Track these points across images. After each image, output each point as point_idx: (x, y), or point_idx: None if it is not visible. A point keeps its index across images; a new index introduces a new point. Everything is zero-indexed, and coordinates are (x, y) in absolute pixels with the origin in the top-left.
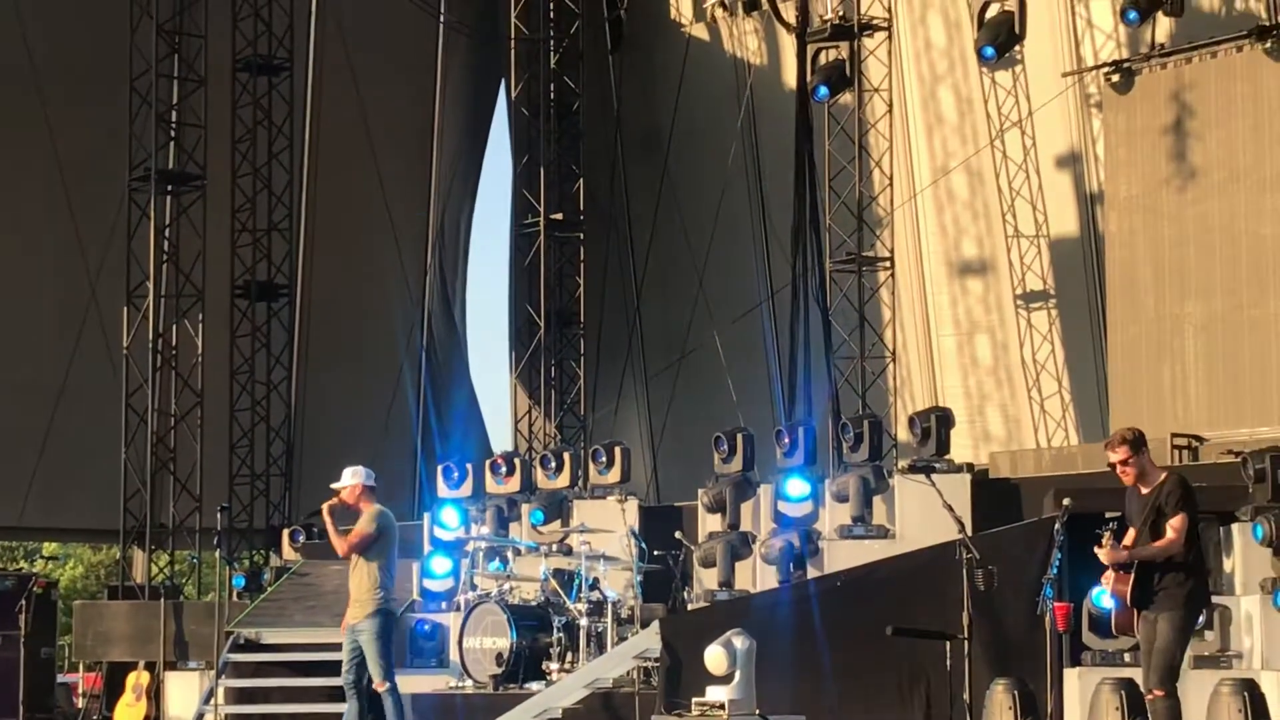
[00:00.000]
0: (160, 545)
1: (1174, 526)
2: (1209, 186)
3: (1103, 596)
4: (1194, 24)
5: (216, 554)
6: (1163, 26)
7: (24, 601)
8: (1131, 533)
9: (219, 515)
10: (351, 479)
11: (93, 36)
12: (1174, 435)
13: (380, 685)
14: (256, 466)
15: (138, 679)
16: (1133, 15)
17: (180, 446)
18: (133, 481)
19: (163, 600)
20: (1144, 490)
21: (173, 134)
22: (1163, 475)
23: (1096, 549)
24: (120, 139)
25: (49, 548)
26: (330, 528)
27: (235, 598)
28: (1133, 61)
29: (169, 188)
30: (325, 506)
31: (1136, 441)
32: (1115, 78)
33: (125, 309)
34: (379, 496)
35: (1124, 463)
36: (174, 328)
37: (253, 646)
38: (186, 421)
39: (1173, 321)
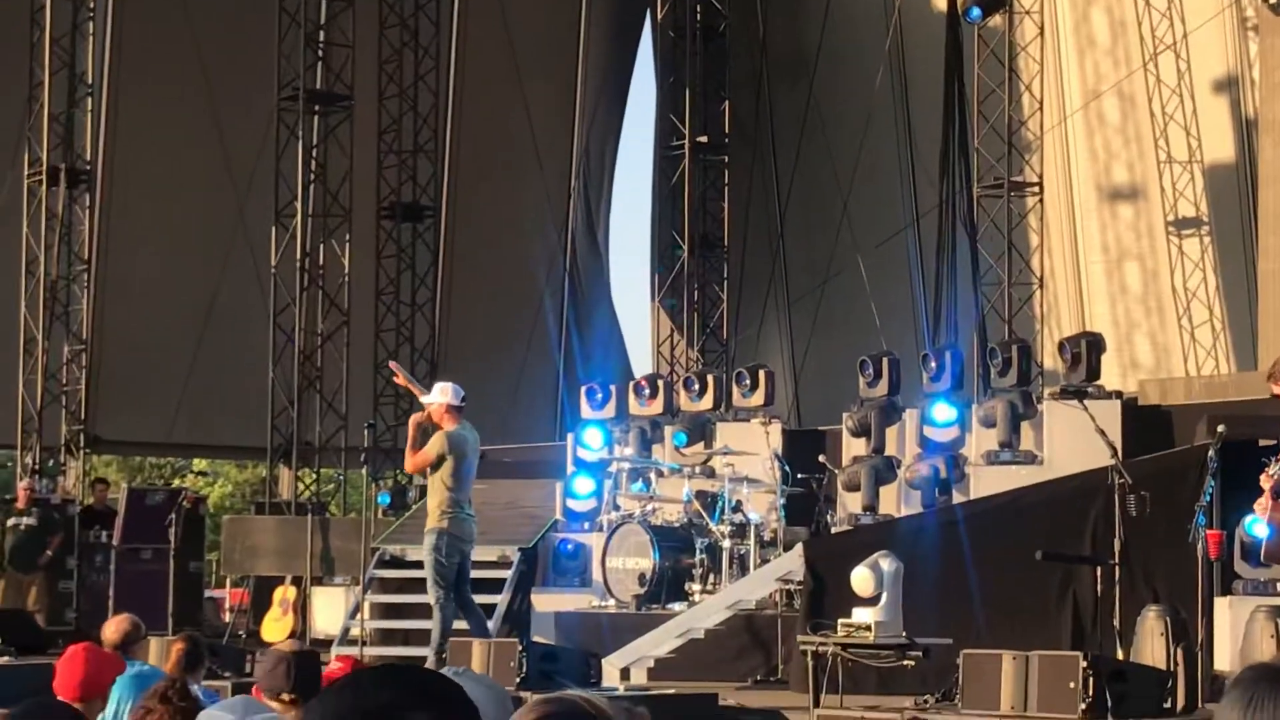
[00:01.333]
0: (306, 463)
1: None
2: None
3: (1256, 525)
4: None
5: (362, 471)
6: None
7: (173, 516)
8: None
9: (365, 433)
10: (440, 396)
11: None
12: None
13: (431, 598)
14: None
15: (284, 593)
16: None
17: (327, 365)
18: (280, 399)
19: (309, 516)
20: None
21: (320, 54)
22: None
23: (1262, 476)
24: (269, 59)
25: (198, 464)
26: (410, 442)
27: (380, 515)
28: None
29: (317, 108)
30: (414, 420)
31: None
32: (1273, 0)
33: (273, 228)
34: (465, 414)
35: None
36: (321, 247)
37: (398, 563)
38: (333, 340)
39: None
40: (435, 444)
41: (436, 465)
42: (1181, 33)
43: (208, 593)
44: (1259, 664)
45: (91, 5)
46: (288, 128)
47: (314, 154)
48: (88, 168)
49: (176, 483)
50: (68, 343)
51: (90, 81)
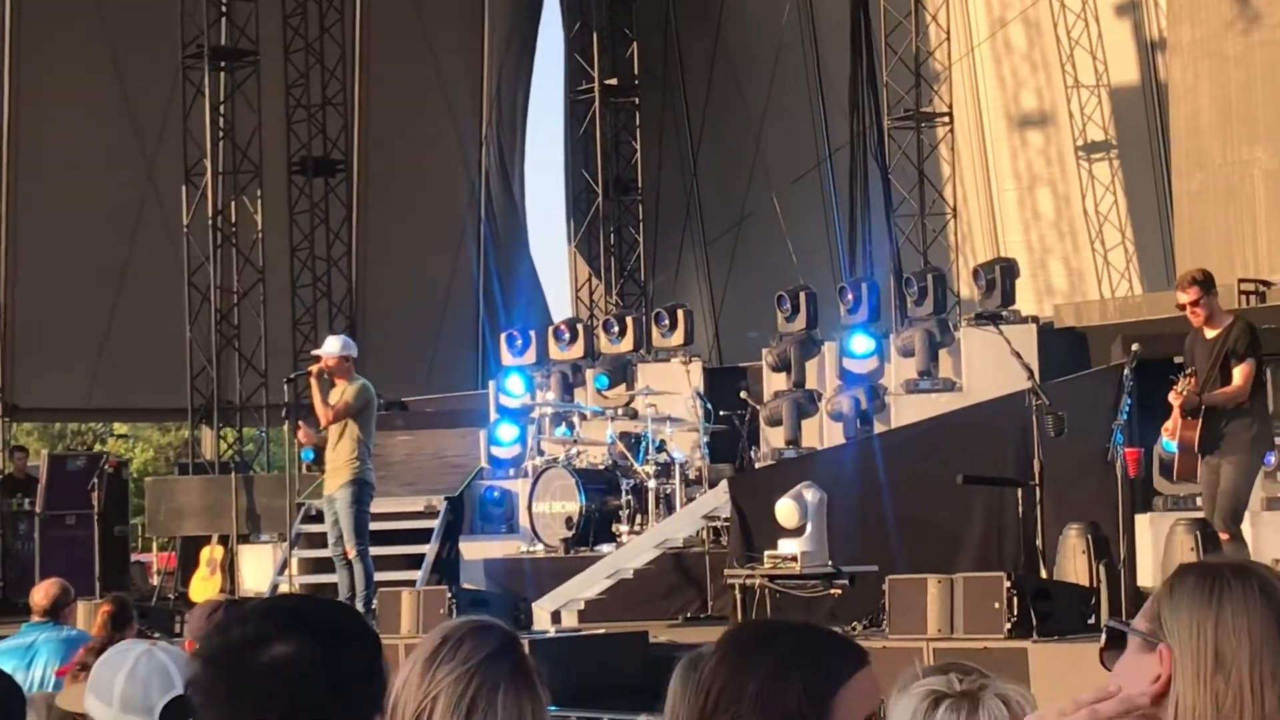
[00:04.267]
0: (228, 422)
1: (1243, 371)
2: (1276, 26)
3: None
4: None
5: (284, 428)
6: None
7: (96, 480)
8: (1192, 378)
9: (285, 389)
10: (341, 350)
11: None
12: (1241, 280)
13: (350, 552)
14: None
15: (211, 553)
16: None
17: (244, 323)
18: (198, 359)
19: (233, 474)
20: (1209, 334)
21: (224, 9)
22: (1230, 319)
23: (1171, 394)
24: (171, 17)
25: (119, 428)
26: (316, 396)
27: (304, 470)
28: None
29: (222, 64)
30: (313, 370)
31: (1206, 282)
32: None
33: (184, 187)
34: (357, 368)
35: (1194, 303)
36: (233, 205)
37: (324, 518)
38: (249, 298)
39: (1240, 167)
40: (353, 393)
41: (353, 415)
42: None
43: (135, 556)
44: (1191, 563)
45: None
46: (194, 85)
47: (221, 111)
48: None
49: (98, 448)
50: None
51: None
